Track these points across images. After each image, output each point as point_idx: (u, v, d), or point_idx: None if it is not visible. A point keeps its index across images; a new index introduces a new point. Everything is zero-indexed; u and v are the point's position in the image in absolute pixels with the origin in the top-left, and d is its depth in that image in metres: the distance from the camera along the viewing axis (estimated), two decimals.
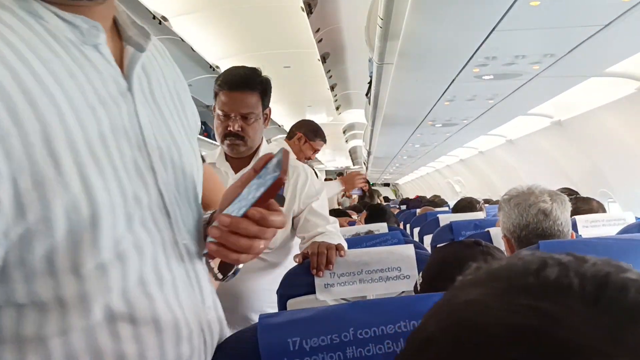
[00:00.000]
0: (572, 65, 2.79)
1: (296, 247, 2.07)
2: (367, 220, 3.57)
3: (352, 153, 15.52)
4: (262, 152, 2.00)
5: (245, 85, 1.92)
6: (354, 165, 18.24)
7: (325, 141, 3.69)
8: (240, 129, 1.90)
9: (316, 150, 3.58)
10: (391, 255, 1.89)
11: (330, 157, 17.61)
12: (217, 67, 5.11)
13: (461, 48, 2.49)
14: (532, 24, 2.18)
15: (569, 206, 2.02)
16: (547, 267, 0.34)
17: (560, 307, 0.31)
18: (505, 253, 2.16)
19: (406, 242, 2.64)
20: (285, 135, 3.70)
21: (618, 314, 0.30)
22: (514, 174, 6.73)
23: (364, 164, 12.37)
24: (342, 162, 18.38)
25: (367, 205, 4.98)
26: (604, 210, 3.06)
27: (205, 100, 5.76)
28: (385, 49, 2.85)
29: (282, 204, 2.00)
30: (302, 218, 2.01)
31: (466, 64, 2.72)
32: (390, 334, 0.97)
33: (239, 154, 1.95)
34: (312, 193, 2.04)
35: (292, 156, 2.15)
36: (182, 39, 4.37)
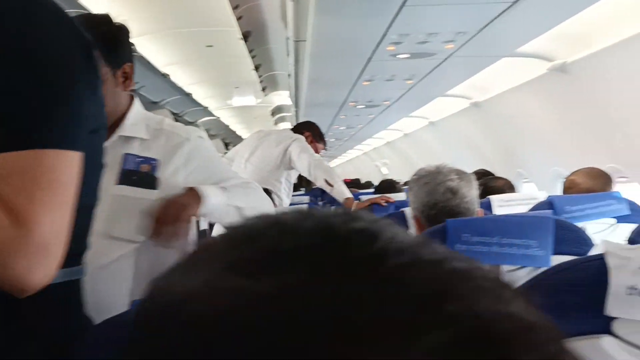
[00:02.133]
0: (484, 44, 2.80)
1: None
2: None
3: None
4: (131, 118, 1.54)
5: None
6: None
7: (325, 147, 3.84)
8: None
9: (317, 152, 3.68)
10: None
11: None
12: (132, 44, 4.88)
13: (374, 24, 2.45)
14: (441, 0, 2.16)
15: (475, 184, 2.04)
16: (265, 233, 0.28)
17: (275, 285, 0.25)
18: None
19: None
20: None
21: (339, 275, 0.25)
22: (437, 155, 6.83)
23: None
24: None
25: None
26: (512, 188, 3.15)
27: None
28: (300, 25, 2.77)
29: (153, 186, 1.51)
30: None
31: (380, 41, 2.69)
32: None
33: None
34: (218, 175, 1.59)
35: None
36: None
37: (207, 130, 9.98)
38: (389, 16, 2.29)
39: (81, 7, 3.92)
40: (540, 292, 1.03)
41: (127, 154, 1.50)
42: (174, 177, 1.51)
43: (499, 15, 2.35)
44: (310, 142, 3.61)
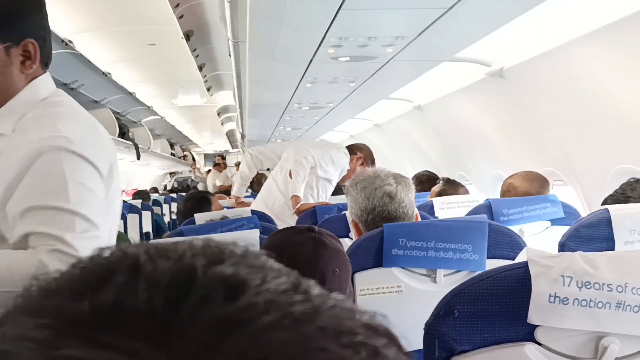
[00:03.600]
0: (423, 48, 2.82)
1: None
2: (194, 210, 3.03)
3: (230, 136, 15.28)
4: (6, 108, 1.25)
5: None
6: (232, 148, 18.01)
7: None
8: None
9: None
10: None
11: (209, 140, 17.28)
12: (70, 41, 4.73)
13: (312, 26, 2.43)
14: (378, 4, 2.15)
15: (412, 188, 2.05)
16: (112, 280, 0.23)
17: (116, 355, 0.21)
18: (353, 238, 2.16)
19: (263, 227, 2.57)
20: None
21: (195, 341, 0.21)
22: (383, 157, 6.88)
23: (240, 147, 12.20)
24: (221, 145, 18.11)
25: None
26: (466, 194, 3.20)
27: (61, 77, 5.37)
28: (238, 26, 2.72)
29: None
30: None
31: (320, 44, 2.67)
32: None
33: None
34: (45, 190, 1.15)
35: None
36: None
37: (152, 130, 9.77)
38: (327, 20, 2.28)
39: None
40: (463, 301, 1.03)
41: None
42: (9, 189, 1.15)
43: (436, 21, 2.36)
44: (362, 164, 3.88)
